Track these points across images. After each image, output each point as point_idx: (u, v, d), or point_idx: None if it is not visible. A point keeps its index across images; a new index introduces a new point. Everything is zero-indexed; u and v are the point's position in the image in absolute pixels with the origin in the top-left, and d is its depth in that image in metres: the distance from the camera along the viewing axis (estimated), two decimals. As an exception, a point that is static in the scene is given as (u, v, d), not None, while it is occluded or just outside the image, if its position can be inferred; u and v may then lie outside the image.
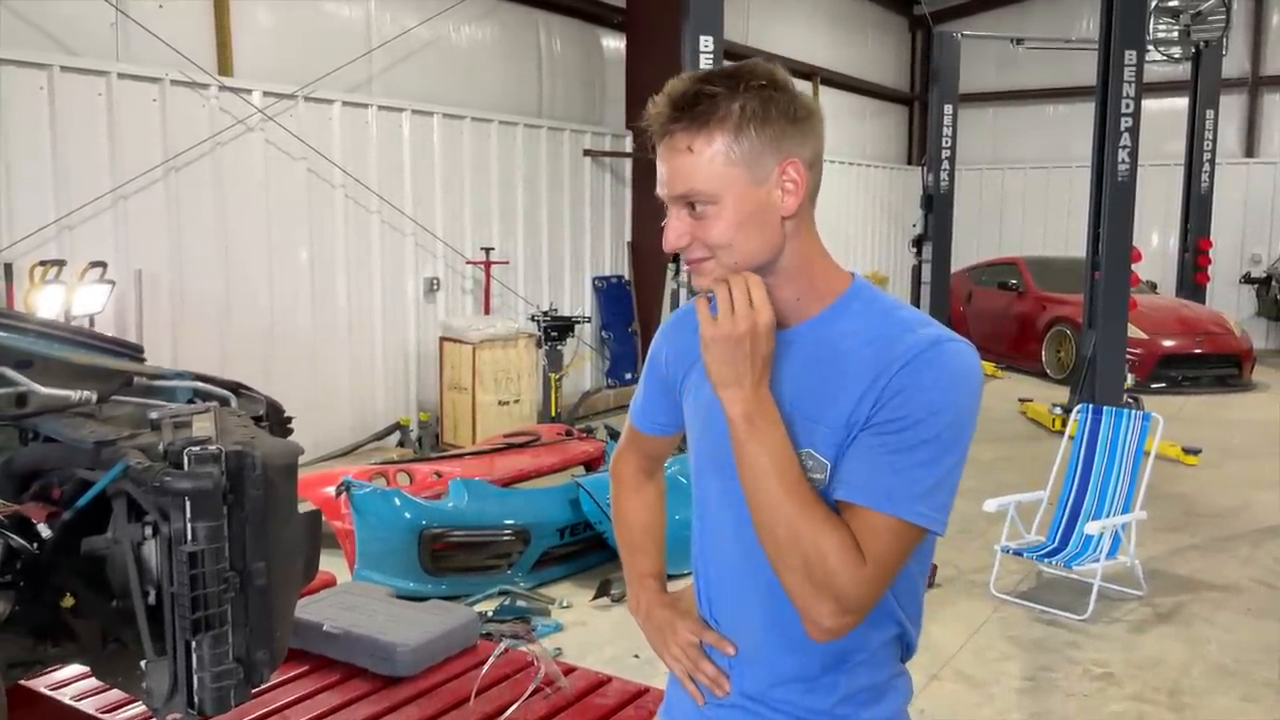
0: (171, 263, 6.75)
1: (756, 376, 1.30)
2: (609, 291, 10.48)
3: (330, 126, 7.77)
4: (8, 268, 5.75)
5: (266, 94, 7.25)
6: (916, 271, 11.45)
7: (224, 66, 7.13)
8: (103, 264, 5.91)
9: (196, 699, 1.68)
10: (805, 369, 1.38)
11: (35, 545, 1.72)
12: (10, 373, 1.77)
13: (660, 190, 1.37)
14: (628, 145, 10.56)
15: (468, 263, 8.89)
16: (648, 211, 10.22)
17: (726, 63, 1.50)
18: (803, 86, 15.45)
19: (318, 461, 7.37)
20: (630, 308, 10.55)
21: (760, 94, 1.31)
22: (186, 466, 1.64)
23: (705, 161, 1.31)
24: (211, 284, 7.00)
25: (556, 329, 8.51)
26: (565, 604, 4.93)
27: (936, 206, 11.22)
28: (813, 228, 1.40)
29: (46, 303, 5.45)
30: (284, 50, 7.59)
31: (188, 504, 1.62)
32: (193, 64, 6.75)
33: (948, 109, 11.44)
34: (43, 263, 5.67)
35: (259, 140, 7.25)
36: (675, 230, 1.36)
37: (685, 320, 1.61)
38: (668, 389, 1.62)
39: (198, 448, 1.66)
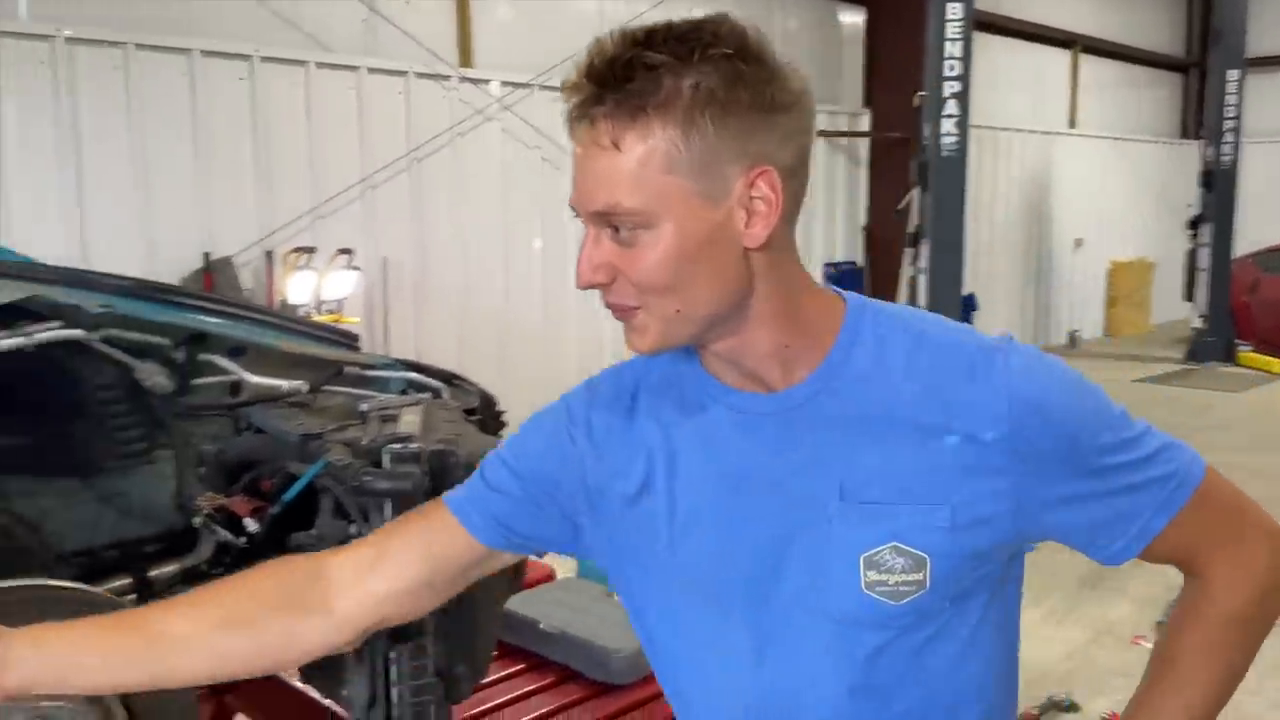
0: (414, 250, 6.99)
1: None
2: (841, 278, 10.07)
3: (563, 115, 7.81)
4: (269, 255, 6.12)
5: (504, 84, 7.38)
6: (1191, 256, 10.34)
7: (465, 58, 7.31)
8: (349, 251, 6.18)
9: (396, 713, 1.59)
10: (840, 434, 0.97)
11: (243, 539, 1.68)
12: (223, 361, 1.73)
13: (573, 200, 0.94)
14: (864, 125, 10.09)
15: (697, 249, 8.74)
16: (884, 194, 9.74)
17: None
18: (1061, 57, 13.98)
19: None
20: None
21: (722, 67, 0.88)
22: (386, 465, 1.54)
23: (636, 165, 0.88)
24: (450, 271, 7.20)
25: (787, 317, 8.23)
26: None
27: (1217, 184, 10.09)
28: (793, 251, 0.98)
29: (298, 288, 5.75)
30: (521, 40, 7.70)
31: (387, 505, 1.53)
32: (436, 57, 6.95)
33: (1232, 74, 10.24)
34: (296, 249, 5.99)
35: (496, 130, 7.39)
36: (590, 260, 0.93)
37: (614, 399, 1.08)
38: (549, 492, 1.09)
39: (399, 445, 1.56)
